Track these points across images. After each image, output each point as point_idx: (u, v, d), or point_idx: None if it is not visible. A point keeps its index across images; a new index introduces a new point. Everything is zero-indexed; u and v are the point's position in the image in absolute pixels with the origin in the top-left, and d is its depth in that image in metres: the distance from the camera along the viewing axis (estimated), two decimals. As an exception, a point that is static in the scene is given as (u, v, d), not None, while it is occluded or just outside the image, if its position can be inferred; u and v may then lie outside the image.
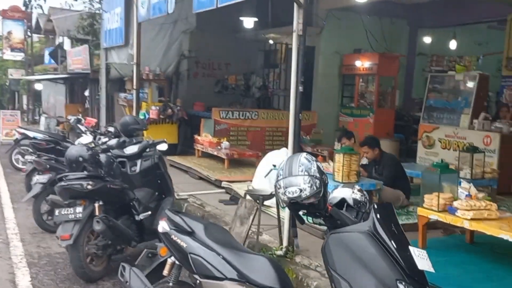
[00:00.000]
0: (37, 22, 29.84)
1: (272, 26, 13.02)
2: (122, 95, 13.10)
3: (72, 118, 12.40)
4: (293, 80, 5.04)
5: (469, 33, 12.28)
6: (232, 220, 5.27)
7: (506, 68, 9.52)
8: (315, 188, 2.76)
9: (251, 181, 8.44)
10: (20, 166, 11.50)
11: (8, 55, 31.62)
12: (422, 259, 2.70)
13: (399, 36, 12.30)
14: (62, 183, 4.88)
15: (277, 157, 6.82)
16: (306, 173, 2.77)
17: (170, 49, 13.12)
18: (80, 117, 12.54)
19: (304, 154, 2.91)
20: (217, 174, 9.01)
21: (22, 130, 11.73)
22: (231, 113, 11.44)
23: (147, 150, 6.13)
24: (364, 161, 7.06)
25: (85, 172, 5.09)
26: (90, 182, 4.88)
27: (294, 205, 2.81)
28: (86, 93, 16.15)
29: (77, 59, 15.80)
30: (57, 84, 21.43)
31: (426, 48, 12.69)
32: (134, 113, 10.66)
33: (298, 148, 5.08)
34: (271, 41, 13.22)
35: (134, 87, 10.42)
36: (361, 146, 6.84)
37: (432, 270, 2.70)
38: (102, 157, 5.49)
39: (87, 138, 8.11)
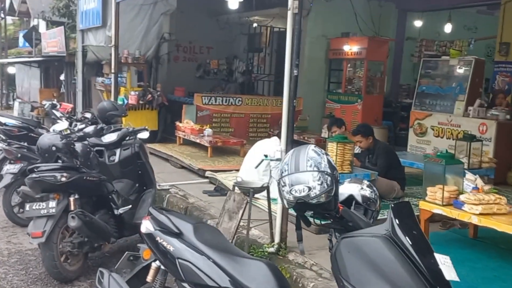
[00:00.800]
0: (11, 3, 28.68)
1: (256, 8, 12.57)
2: (100, 79, 12.53)
3: (47, 103, 11.80)
4: (287, 63, 4.64)
5: (458, 17, 11.98)
6: (220, 215, 4.88)
7: (499, 53, 9.24)
8: (325, 186, 2.38)
9: (236, 170, 8.06)
10: (-10, 154, 10.93)
11: (-20, 37, 30.50)
12: (447, 267, 2.36)
13: (387, 20, 11.95)
14: (33, 175, 4.43)
15: (267, 146, 6.42)
16: (315, 169, 2.39)
17: (150, 31, 12.55)
18: (55, 102, 11.93)
19: (312, 146, 2.52)
20: (200, 163, 8.59)
21: (-7, 116, 11.12)
22: (214, 99, 10.99)
23: (127, 138, 5.68)
24: (357, 150, 6.71)
25: (59, 163, 4.64)
26: (65, 174, 4.43)
27: (301, 205, 2.42)
28: (62, 77, 15.47)
29: (52, 41, 15.10)
30: (31, 68, 20.60)
31: (415, 32, 12.38)
32: (112, 99, 10.14)
33: (292, 138, 4.68)
34: (255, 24, 12.75)
35: (112, 71, 9.89)
36: (353, 134, 6.49)
37: (457, 279, 2.36)
38: (78, 146, 5.02)
39: (62, 125, 7.61)
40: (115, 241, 5.05)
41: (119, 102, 10.27)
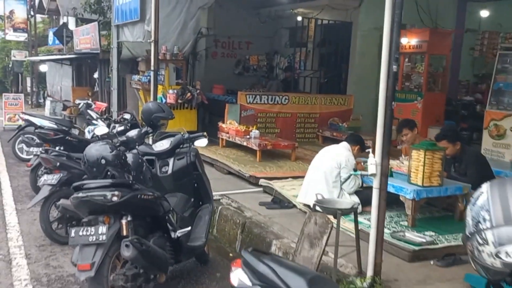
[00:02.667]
0: (40, 1, 28.44)
1: (301, 0, 11.76)
2: (136, 77, 11.86)
3: (81, 103, 11.20)
4: (385, 56, 3.81)
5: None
6: (298, 241, 4.07)
7: None
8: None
9: (292, 178, 7.27)
10: (24, 156, 10.36)
11: (11, 35, 30.43)
12: None
13: (446, 10, 10.96)
14: (80, 194, 3.69)
15: (337, 153, 5.60)
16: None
17: (187, 26, 11.80)
18: (90, 101, 11.34)
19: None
20: (249, 168, 7.80)
21: (26, 116, 10.52)
22: (259, 97, 10.19)
23: (182, 146, 4.93)
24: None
25: (109, 179, 3.90)
26: (116, 192, 3.68)
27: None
28: (96, 75, 14.87)
29: (85, 38, 14.50)
30: (63, 66, 20.11)
31: (475, 23, 11.35)
32: (152, 98, 9.43)
33: (388, 148, 3.84)
34: (299, 17, 11.90)
35: (152, 68, 9.16)
36: (437, 140, 5.60)
37: None
38: (129, 157, 4.28)
39: (102, 129, 6.90)
40: (171, 269, 4.30)
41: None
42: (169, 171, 4.84)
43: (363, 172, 3.95)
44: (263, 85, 13.01)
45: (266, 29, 13.16)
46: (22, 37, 29.84)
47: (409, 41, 9.89)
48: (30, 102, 26.56)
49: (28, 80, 29.99)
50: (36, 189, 7.15)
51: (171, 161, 4.87)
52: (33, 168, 7.25)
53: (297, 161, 8.54)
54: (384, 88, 3.79)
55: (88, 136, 10.19)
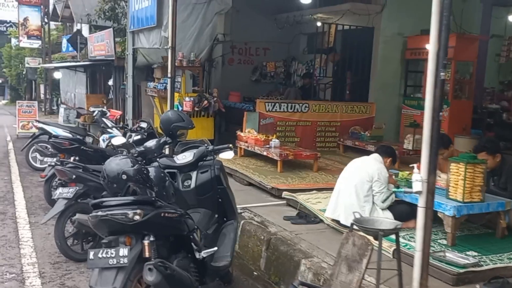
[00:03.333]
0: (54, 8, 28.49)
1: (322, 5, 11.46)
2: (151, 84, 11.63)
3: (95, 111, 10.99)
4: (432, 62, 3.49)
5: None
6: (335, 263, 3.74)
7: None
8: None
9: (317, 190, 6.95)
10: (37, 165, 10.15)
11: (25, 42, 30.51)
12: None
13: (470, 15, 10.60)
14: (100, 213, 3.39)
15: (369, 166, 5.26)
16: None
17: (203, 32, 11.58)
18: (104, 109, 11.12)
19: None
20: (271, 180, 7.48)
21: (40, 125, 10.34)
22: (278, 105, 9.88)
23: (205, 158, 4.63)
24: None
25: (130, 195, 3.61)
26: (138, 211, 3.39)
27: None
28: (110, 82, 14.67)
29: (100, 45, 14.33)
30: (76, 73, 20.01)
31: (500, 29, 10.98)
32: (168, 106, 9.18)
33: (435, 163, 3.50)
34: (319, 23, 11.60)
35: (169, 75, 8.90)
36: (476, 152, 5.24)
37: None
38: (151, 171, 3.98)
39: (119, 139, 6.64)
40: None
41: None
42: (192, 185, 4.54)
43: (407, 190, 3.62)
44: (281, 92, 12.71)
45: (284, 35, 12.86)
46: (36, 44, 29.89)
47: (434, 47, 9.52)
48: (43, 109, 26.53)
49: (42, 87, 30.01)
50: (50, 201, 6.91)
51: (194, 174, 4.58)
52: (47, 179, 7.01)
53: (319, 172, 8.21)
54: (430, 98, 3.47)
55: (102, 145, 9.97)
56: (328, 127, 10.19)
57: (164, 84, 10.91)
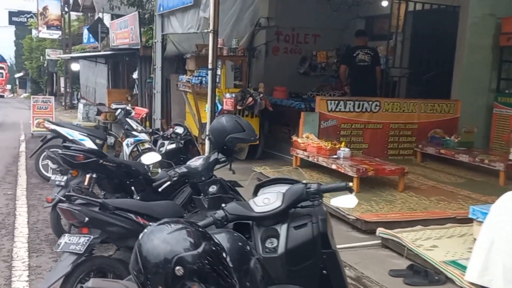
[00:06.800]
0: (75, -3, 27.07)
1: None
2: (184, 77, 9.83)
3: (118, 109, 9.23)
4: None
5: None
6: None
7: None
8: None
9: (423, 223, 5.03)
10: (49, 175, 8.37)
11: (44, 33, 29.18)
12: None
13: None
14: None
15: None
16: None
17: (243, 16, 9.77)
18: (129, 107, 9.35)
19: None
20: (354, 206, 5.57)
21: (53, 126, 8.61)
22: (343, 103, 7.95)
23: (300, 204, 2.75)
24: None
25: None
26: None
27: None
28: (134, 75, 12.87)
29: (123, 32, 12.54)
30: (97, 65, 18.35)
31: None
32: (209, 104, 7.37)
33: None
34: (385, 2, 9.61)
35: (210, 65, 7.07)
36: None
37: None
38: (223, 239, 2.09)
39: (152, 156, 4.80)
40: None
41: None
42: (281, 249, 2.66)
43: None
44: (333, 86, 10.81)
45: (337, 19, 10.89)
46: (55, 34, 28.52)
47: None
48: (63, 104, 25.07)
49: (62, 80, 28.63)
50: (59, 232, 5.19)
51: (283, 230, 2.71)
52: (55, 205, 5.22)
53: (407, 192, 6.30)
54: None
55: (126, 150, 8.23)
56: (403, 131, 8.24)
57: (200, 78, 9.11)
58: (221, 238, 2.19)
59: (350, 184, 2.79)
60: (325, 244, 2.76)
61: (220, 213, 2.67)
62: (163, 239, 1.81)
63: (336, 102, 7.95)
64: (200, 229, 1.90)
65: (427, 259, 4.18)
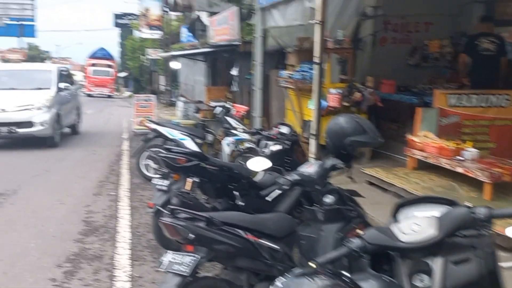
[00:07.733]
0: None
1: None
2: (285, 73, 9.33)
3: (217, 107, 8.97)
4: None
5: None
6: None
7: None
8: None
9: None
10: (151, 175, 8.28)
11: (146, 33, 30.19)
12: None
13: None
14: None
15: None
16: None
17: (347, 5, 9.10)
18: (228, 105, 9.03)
19: None
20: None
21: (154, 126, 8.48)
22: (465, 97, 7.05)
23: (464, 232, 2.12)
24: None
25: None
26: None
27: None
28: (234, 71, 12.61)
29: (222, 28, 12.32)
30: (196, 63, 18.45)
31: None
32: (315, 101, 6.80)
33: None
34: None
35: (317, 59, 6.50)
36: None
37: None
38: None
39: (260, 162, 4.33)
40: None
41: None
42: (436, 292, 2.06)
43: None
44: (447, 79, 9.77)
45: (451, 4, 9.85)
46: (156, 35, 29.40)
47: None
48: (164, 101, 25.72)
49: (162, 78, 29.45)
50: (161, 239, 4.92)
51: (437, 265, 2.10)
52: (157, 212, 4.94)
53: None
54: None
55: (226, 150, 7.91)
56: (538, 128, 7.17)
57: (303, 73, 8.58)
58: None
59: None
60: (494, 286, 2.12)
61: (357, 243, 2.12)
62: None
63: (458, 96, 7.06)
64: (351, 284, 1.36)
65: None
